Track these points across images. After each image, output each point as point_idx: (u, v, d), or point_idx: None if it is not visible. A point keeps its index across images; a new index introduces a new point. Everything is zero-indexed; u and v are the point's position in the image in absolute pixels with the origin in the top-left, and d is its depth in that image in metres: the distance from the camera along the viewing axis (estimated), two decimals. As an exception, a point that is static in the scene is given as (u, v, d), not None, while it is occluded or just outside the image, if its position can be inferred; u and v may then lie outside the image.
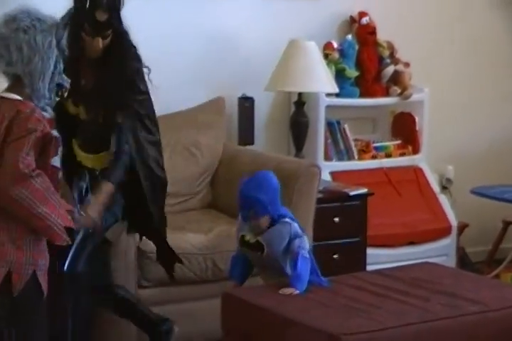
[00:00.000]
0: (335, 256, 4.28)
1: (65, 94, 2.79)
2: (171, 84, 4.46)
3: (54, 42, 2.70)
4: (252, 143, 4.61)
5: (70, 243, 2.68)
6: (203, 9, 4.52)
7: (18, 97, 2.67)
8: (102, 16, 3.30)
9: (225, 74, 4.60)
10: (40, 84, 2.67)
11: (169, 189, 4.12)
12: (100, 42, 3.32)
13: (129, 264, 3.64)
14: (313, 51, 4.48)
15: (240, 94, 4.60)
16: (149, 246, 3.69)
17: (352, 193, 4.33)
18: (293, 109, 4.60)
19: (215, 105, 4.43)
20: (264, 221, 3.27)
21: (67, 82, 2.76)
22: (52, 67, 2.70)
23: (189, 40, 4.50)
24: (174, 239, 3.77)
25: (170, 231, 3.86)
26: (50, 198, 2.59)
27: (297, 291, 3.21)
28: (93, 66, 3.38)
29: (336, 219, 4.29)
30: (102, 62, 3.35)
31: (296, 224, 3.30)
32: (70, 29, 3.09)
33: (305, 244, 3.28)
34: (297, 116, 4.55)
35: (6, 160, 2.59)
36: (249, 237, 3.30)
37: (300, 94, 4.53)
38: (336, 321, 3.01)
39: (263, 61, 4.60)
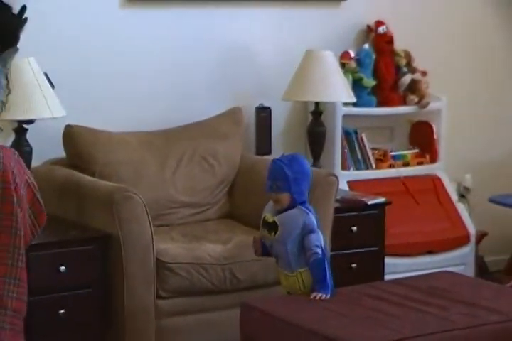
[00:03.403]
0: (353, 266, 4.27)
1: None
2: (189, 95, 4.49)
3: (3, 80, 2.44)
4: (269, 152, 4.62)
5: None
6: (219, 20, 4.54)
7: None
8: None
9: (242, 85, 4.61)
10: None
11: (187, 199, 4.17)
12: None
13: (147, 275, 3.64)
14: (330, 61, 4.48)
15: (257, 104, 4.61)
16: (168, 256, 3.70)
17: (370, 202, 4.32)
18: (310, 118, 4.60)
19: (232, 115, 4.44)
20: (285, 198, 3.29)
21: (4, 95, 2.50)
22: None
23: (205, 50, 4.52)
24: (192, 249, 3.79)
25: (188, 241, 3.88)
26: None
27: (325, 296, 3.23)
28: None
29: (354, 229, 4.28)
30: None
31: (313, 217, 3.31)
32: None
33: (321, 240, 3.29)
34: (314, 125, 4.55)
35: None
36: (268, 216, 3.34)
37: (317, 104, 4.53)
38: (355, 331, 3.00)
39: (280, 71, 4.61)
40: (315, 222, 3.31)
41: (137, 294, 3.63)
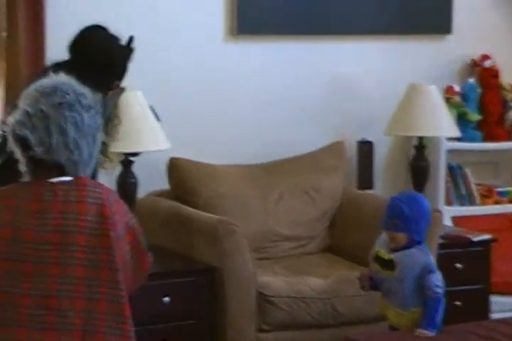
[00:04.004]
0: (457, 303, 4.17)
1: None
2: (291, 128, 4.50)
3: (101, 122, 2.32)
4: (371, 187, 4.58)
5: None
6: (322, 53, 4.55)
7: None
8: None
9: (345, 118, 4.60)
10: (83, 175, 2.29)
11: (289, 232, 4.17)
12: None
13: (249, 308, 3.64)
14: (434, 95, 4.43)
15: (359, 138, 4.59)
16: (270, 289, 3.69)
17: (475, 239, 4.23)
18: (413, 152, 4.55)
19: (335, 149, 4.43)
20: (402, 237, 3.22)
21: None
22: (95, 154, 2.32)
23: (308, 84, 4.53)
24: (293, 282, 3.78)
25: (290, 275, 3.87)
26: None
27: (430, 333, 3.16)
28: None
29: (459, 265, 4.20)
30: None
31: (432, 258, 3.25)
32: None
33: (441, 281, 3.23)
34: (417, 160, 4.49)
35: None
36: (383, 253, 3.27)
37: (420, 138, 4.48)
38: (463, 370, 2.93)
39: (383, 105, 4.59)
40: (434, 262, 3.25)
41: (239, 326, 3.63)
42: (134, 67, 4.10)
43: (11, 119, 2.29)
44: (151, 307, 3.51)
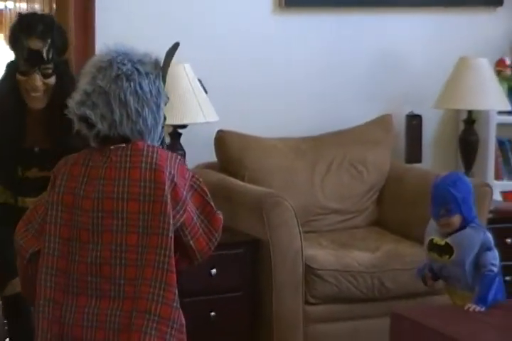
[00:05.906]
0: (507, 279, 4.13)
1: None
2: (339, 101, 4.47)
3: (162, 86, 2.30)
4: (419, 161, 4.55)
5: None
6: (371, 26, 4.51)
7: None
8: (35, 44, 2.70)
9: (393, 92, 4.56)
10: (150, 142, 2.32)
11: (336, 206, 4.15)
12: (38, 80, 2.70)
13: (296, 280, 3.64)
14: (485, 68, 4.37)
15: (407, 112, 4.55)
16: (317, 262, 3.69)
17: (525, 214, 4.19)
18: (462, 126, 4.50)
19: (383, 122, 4.39)
20: (456, 220, 3.19)
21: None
22: (162, 119, 2.33)
23: (357, 57, 4.49)
24: (340, 256, 3.77)
25: (336, 248, 3.86)
26: None
27: (480, 308, 3.14)
28: (38, 121, 2.79)
29: (508, 240, 4.16)
30: (48, 114, 2.75)
31: (489, 234, 3.22)
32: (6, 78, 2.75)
33: (497, 259, 3.20)
34: (467, 134, 4.45)
35: None
36: (438, 240, 3.23)
37: (470, 112, 4.43)
38: (512, 345, 2.91)
39: (432, 78, 4.53)
40: (491, 239, 3.22)
41: (286, 299, 3.63)
42: (182, 40, 4.11)
43: (71, 101, 2.30)
44: (200, 279, 3.53)
